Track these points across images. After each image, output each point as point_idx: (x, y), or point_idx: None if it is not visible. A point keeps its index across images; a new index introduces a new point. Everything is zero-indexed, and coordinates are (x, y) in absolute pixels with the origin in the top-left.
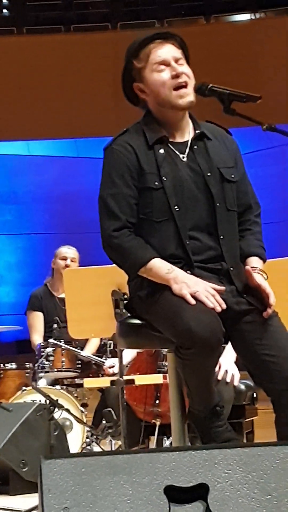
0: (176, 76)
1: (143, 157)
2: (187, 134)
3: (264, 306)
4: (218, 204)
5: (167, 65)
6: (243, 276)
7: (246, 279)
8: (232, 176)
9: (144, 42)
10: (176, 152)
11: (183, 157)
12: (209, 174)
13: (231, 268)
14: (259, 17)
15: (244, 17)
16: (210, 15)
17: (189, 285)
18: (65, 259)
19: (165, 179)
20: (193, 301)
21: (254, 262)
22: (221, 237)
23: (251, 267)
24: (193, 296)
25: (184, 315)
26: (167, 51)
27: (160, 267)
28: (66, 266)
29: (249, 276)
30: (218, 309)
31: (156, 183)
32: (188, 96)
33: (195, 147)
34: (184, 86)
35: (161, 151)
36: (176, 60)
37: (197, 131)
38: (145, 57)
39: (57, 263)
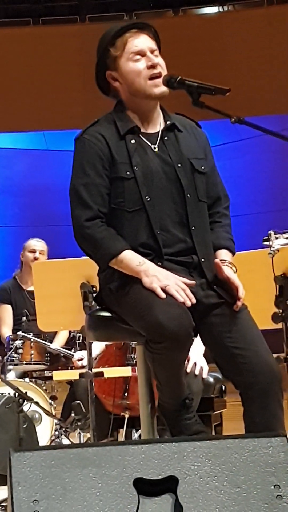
0: (152, 66)
1: (114, 147)
2: (158, 125)
3: (233, 298)
4: (188, 195)
5: (143, 55)
6: (214, 267)
7: (215, 271)
8: (203, 167)
9: (121, 30)
10: (147, 143)
11: (154, 148)
12: (179, 165)
13: (203, 260)
14: (227, 10)
15: (212, 9)
16: (178, 8)
17: (159, 278)
18: (33, 251)
19: (136, 168)
20: (163, 295)
21: (223, 255)
22: (193, 228)
23: (220, 259)
24: (163, 290)
25: (154, 309)
26: (143, 41)
27: (131, 259)
28: (35, 258)
29: (218, 269)
30: (188, 303)
31: (128, 173)
32: (162, 85)
33: (166, 138)
34: (159, 76)
35: (132, 141)
36: (152, 51)
37: (168, 122)
38: (122, 46)
39: (26, 256)
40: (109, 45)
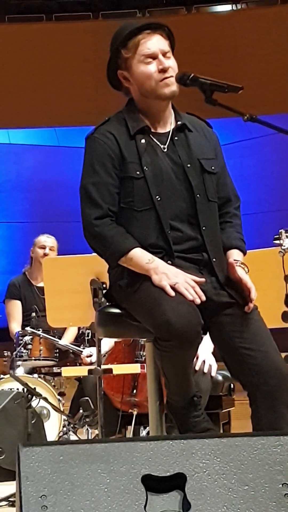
0: (163, 70)
1: (124, 146)
2: (169, 125)
3: (245, 300)
4: (198, 195)
5: (155, 58)
6: (225, 266)
7: (227, 271)
8: (213, 167)
9: (133, 32)
10: (157, 143)
11: (164, 148)
12: (189, 165)
13: (214, 259)
14: (240, 8)
15: (226, 7)
16: (192, 5)
17: (169, 276)
18: (43, 247)
19: (146, 168)
20: (172, 293)
21: (235, 255)
22: (203, 228)
23: (233, 259)
24: (173, 288)
25: (163, 307)
26: (155, 43)
27: (140, 257)
28: (45, 254)
29: (231, 269)
30: (198, 301)
31: (138, 172)
32: (173, 85)
33: (176, 138)
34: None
35: (143, 141)
36: (164, 54)
37: (178, 122)
38: (133, 48)
39: (36, 252)
40: (120, 46)
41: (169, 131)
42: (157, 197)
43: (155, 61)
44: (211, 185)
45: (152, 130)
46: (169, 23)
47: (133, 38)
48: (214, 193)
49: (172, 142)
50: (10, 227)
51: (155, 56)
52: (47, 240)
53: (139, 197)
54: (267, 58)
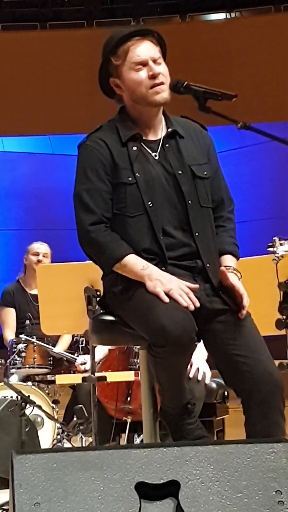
0: (153, 76)
1: (116, 153)
2: (160, 132)
3: (238, 306)
4: (190, 201)
5: (145, 65)
6: (219, 273)
7: (220, 277)
8: (205, 172)
9: (122, 39)
10: (148, 151)
11: (155, 156)
12: (180, 172)
13: (208, 265)
14: (234, 17)
15: (220, 16)
16: (186, 14)
17: (163, 282)
18: (37, 254)
19: (138, 174)
20: (166, 299)
21: (228, 260)
22: (196, 234)
23: (225, 266)
24: (167, 294)
25: (158, 313)
26: (145, 50)
27: (135, 263)
28: (38, 261)
29: (223, 276)
30: (192, 307)
31: (130, 178)
32: (164, 92)
33: (167, 145)
34: (160, 84)
35: (134, 148)
36: (154, 60)
37: (169, 129)
38: (123, 55)
39: (29, 259)
40: (110, 54)
41: (160, 139)
42: (149, 203)
43: (146, 67)
44: (203, 191)
45: (144, 138)
46: (163, 31)
47: (123, 45)
48: (207, 199)
49: (163, 150)
50: (4, 234)
51: (145, 62)
52: (40, 247)
53: (131, 203)
54: (261, 66)
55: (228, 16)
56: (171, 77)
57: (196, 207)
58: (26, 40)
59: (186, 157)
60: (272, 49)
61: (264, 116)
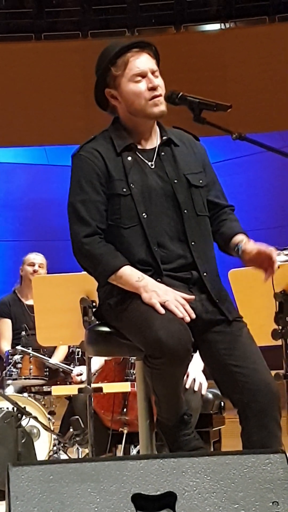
0: (153, 88)
1: (111, 163)
2: (155, 141)
3: (235, 313)
4: (185, 210)
5: (144, 76)
6: (216, 282)
7: (219, 287)
8: (200, 181)
9: (122, 50)
10: (144, 160)
11: (151, 165)
12: (176, 181)
13: (204, 274)
14: (229, 27)
15: (214, 26)
16: (180, 24)
17: (159, 294)
18: (32, 265)
19: (132, 186)
20: (162, 311)
21: (241, 237)
22: (192, 243)
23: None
24: (163, 305)
25: (154, 325)
26: (144, 62)
27: (130, 274)
28: (34, 271)
29: (246, 251)
30: (187, 319)
31: (124, 190)
32: (162, 104)
33: (163, 153)
34: (158, 96)
35: (129, 158)
36: (153, 72)
37: (164, 137)
38: (123, 65)
39: (25, 270)
40: (109, 64)
41: (156, 147)
42: (143, 214)
43: (145, 79)
44: (199, 199)
45: (139, 147)
46: (158, 42)
47: (122, 56)
48: (203, 207)
49: (159, 158)
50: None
51: (145, 74)
52: (36, 258)
53: (126, 214)
54: (256, 77)
55: (223, 27)
56: (165, 88)
57: (192, 216)
58: (21, 51)
59: (181, 165)
60: (266, 59)
61: (259, 126)
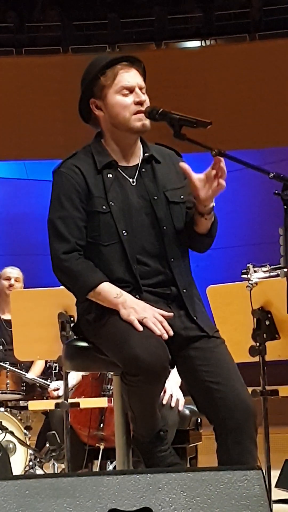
0: (139, 103)
1: (91, 180)
2: (137, 158)
3: (213, 329)
4: (164, 227)
5: (132, 91)
6: (195, 298)
7: (197, 303)
8: (182, 196)
9: (113, 61)
10: (126, 177)
11: (133, 182)
12: (155, 197)
13: (184, 290)
14: (209, 44)
15: (195, 43)
16: (161, 41)
17: (137, 310)
18: (9, 279)
19: (112, 204)
20: (140, 328)
21: None
22: (171, 259)
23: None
24: (141, 322)
25: (131, 342)
26: (133, 76)
27: (108, 291)
28: (10, 286)
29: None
30: (165, 336)
31: (104, 207)
32: (146, 120)
33: (143, 170)
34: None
35: (109, 175)
36: (140, 88)
37: (146, 154)
38: (112, 77)
39: (1, 284)
40: (99, 73)
41: (137, 164)
42: (123, 232)
43: (132, 94)
44: (180, 215)
45: (120, 164)
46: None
47: (112, 68)
48: (183, 223)
49: (140, 175)
50: None
51: (133, 89)
52: (12, 272)
53: (105, 232)
54: (236, 95)
55: (203, 44)
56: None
57: (171, 232)
58: (1, 65)
59: (161, 182)
60: (246, 77)
61: (238, 144)
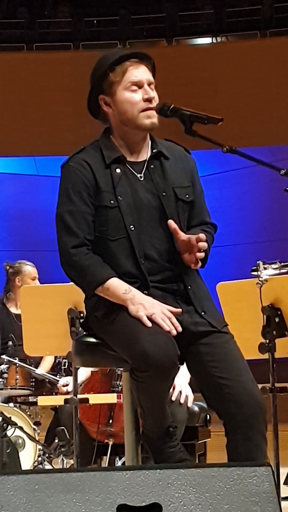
0: (148, 99)
1: (99, 175)
2: (145, 153)
3: (221, 325)
4: None
5: (140, 87)
6: (202, 295)
7: (205, 299)
8: (187, 196)
9: (122, 58)
10: (134, 172)
11: (141, 177)
12: (164, 193)
13: (189, 286)
14: (220, 41)
15: (206, 40)
16: (172, 38)
17: (146, 306)
18: (34, 279)
19: (120, 198)
20: (149, 324)
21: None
22: (179, 255)
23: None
24: (149, 318)
25: (140, 338)
26: (142, 72)
27: (117, 287)
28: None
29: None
30: (174, 332)
31: (112, 202)
32: (154, 117)
33: (152, 166)
34: (152, 109)
35: (118, 170)
36: (149, 84)
37: (154, 150)
38: (121, 73)
39: (24, 281)
40: (108, 69)
41: (145, 160)
42: (131, 226)
43: (141, 90)
44: (184, 214)
45: (128, 159)
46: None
47: (121, 64)
48: (186, 221)
49: (148, 171)
50: None
51: (141, 84)
52: (35, 270)
53: (113, 226)
54: (247, 91)
55: (214, 41)
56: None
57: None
58: (12, 61)
59: (170, 178)
60: (257, 74)
61: (249, 141)
